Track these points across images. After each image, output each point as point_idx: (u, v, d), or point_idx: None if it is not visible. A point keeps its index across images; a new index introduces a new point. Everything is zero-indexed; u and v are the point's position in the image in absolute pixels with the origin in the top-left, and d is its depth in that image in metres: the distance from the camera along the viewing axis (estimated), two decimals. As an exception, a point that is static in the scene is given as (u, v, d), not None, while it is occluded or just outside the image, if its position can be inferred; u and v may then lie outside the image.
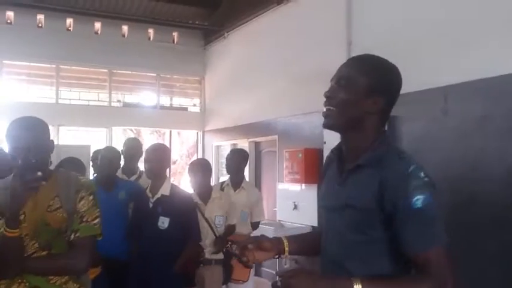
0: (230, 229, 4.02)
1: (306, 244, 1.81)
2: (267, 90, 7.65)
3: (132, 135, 13.85)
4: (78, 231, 2.03)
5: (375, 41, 5.28)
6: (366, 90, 1.49)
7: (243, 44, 8.79)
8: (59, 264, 2.02)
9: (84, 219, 2.05)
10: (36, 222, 1.99)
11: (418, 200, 1.36)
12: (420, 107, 4.72)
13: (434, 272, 1.35)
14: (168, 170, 3.62)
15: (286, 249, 1.70)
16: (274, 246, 1.69)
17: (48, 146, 2.09)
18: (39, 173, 1.82)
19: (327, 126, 1.57)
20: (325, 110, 1.56)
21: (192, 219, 3.56)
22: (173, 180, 12.19)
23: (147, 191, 3.52)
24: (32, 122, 2.07)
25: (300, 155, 6.13)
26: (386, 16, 5.28)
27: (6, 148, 2.14)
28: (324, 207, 1.67)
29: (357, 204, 1.46)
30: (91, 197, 2.10)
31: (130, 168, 4.24)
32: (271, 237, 1.74)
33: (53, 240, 2.03)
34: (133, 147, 4.26)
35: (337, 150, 1.63)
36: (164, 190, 3.46)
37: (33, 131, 2.02)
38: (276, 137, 7.33)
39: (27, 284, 1.98)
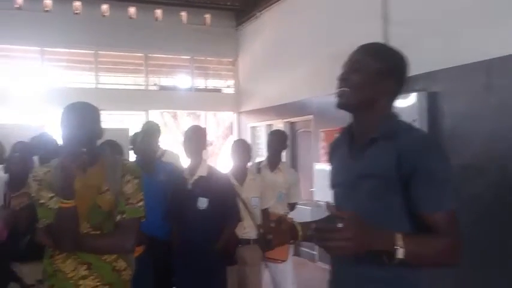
0: (264, 215, 4.06)
1: None
2: (301, 70, 7.60)
3: (170, 118, 14.06)
4: (124, 213, 2.13)
5: (412, 15, 5.16)
6: (377, 73, 1.59)
7: (275, 23, 8.73)
8: (107, 242, 2.13)
9: (130, 202, 2.14)
10: (88, 204, 2.10)
11: (436, 163, 1.46)
12: (462, 83, 4.60)
13: (450, 231, 1.43)
14: (204, 151, 3.66)
15: (300, 233, 1.74)
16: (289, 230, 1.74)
17: (96, 132, 2.18)
18: (84, 149, 1.96)
19: (340, 105, 1.65)
20: (338, 90, 1.64)
21: (231, 199, 3.61)
22: (210, 161, 12.35)
23: (186, 172, 3.58)
24: (82, 109, 2.15)
25: (336, 135, 6.10)
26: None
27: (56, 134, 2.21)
28: (337, 185, 1.74)
29: (375, 173, 1.53)
30: (136, 181, 2.18)
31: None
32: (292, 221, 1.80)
33: (103, 222, 2.14)
34: (150, 127, 4.30)
35: (347, 131, 1.72)
36: (202, 171, 3.52)
37: (82, 118, 2.10)
38: (311, 116, 7.30)
39: (79, 260, 2.10)
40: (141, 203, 2.18)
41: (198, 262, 3.40)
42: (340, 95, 1.64)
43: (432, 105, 4.84)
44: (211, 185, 3.46)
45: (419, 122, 4.73)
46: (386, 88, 1.61)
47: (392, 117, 1.63)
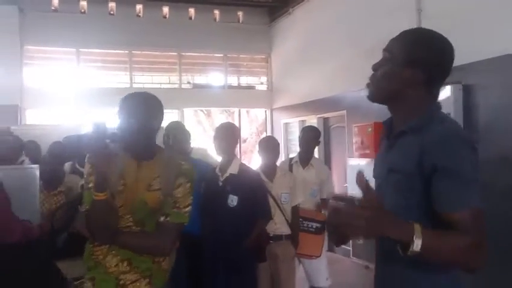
0: (295, 211, 4.04)
1: None
2: (334, 65, 7.52)
3: (203, 116, 14.18)
4: (169, 215, 2.09)
5: (446, 7, 5.03)
6: (404, 62, 1.51)
7: (308, 19, 8.66)
8: (145, 243, 2.11)
9: (177, 205, 2.10)
10: (134, 198, 2.08)
11: (459, 160, 1.38)
12: (497, 75, 4.47)
13: (471, 230, 1.33)
14: (236, 148, 3.66)
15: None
16: None
17: (152, 124, 2.11)
18: (109, 143, 1.95)
19: (369, 98, 1.61)
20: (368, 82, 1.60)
21: (261, 197, 3.60)
22: (244, 158, 12.41)
23: (217, 170, 3.60)
24: (138, 99, 2.10)
25: (370, 130, 6.01)
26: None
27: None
28: (375, 177, 1.69)
29: (399, 169, 1.49)
30: (188, 185, 2.12)
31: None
32: None
33: (147, 219, 2.11)
34: (180, 127, 4.32)
35: (387, 122, 1.66)
36: (233, 169, 3.52)
37: (136, 108, 2.06)
38: (344, 112, 7.22)
39: (119, 256, 2.10)
40: (187, 209, 2.12)
41: (228, 259, 3.41)
42: (368, 86, 1.60)
43: (467, 98, 4.71)
44: (241, 182, 3.46)
45: (453, 115, 4.62)
46: (414, 79, 1.50)
47: (424, 109, 1.51)
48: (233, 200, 3.43)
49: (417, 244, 1.26)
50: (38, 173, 3.04)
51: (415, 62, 1.50)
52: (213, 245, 3.48)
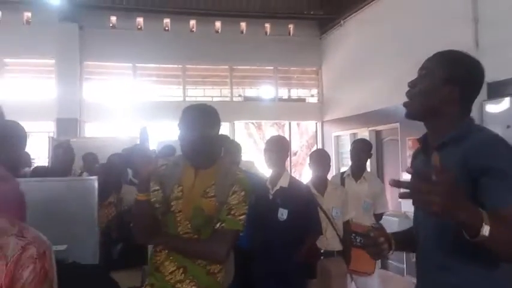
0: (346, 227, 3.96)
1: (409, 241, 1.81)
2: (386, 77, 7.39)
3: (254, 128, 14.26)
4: (224, 222, 2.14)
5: (504, 17, 4.85)
6: (442, 80, 1.59)
7: (360, 31, 8.58)
8: (200, 248, 2.16)
9: (232, 213, 2.14)
10: (191, 204, 2.16)
11: (505, 161, 1.41)
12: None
13: None
14: (286, 162, 3.64)
15: (393, 243, 1.75)
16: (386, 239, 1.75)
17: (211, 135, 2.18)
18: (152, 154, 2.06)
19: (407, 116, 1.69)
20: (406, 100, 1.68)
21: (311, 211, 3.55)
22: (294, 171, 12.35)
23: (267, 182, 3.59)
24: (198, 111, 2.19)
25: (418, 148, 5.84)
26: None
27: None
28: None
29: None
30: (243, 193, 2.17)
31: None
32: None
33: (204, 226, 2.17)
34: (225, 140, 4.35)
35: (423, 138, 1.72)
36: (283, 182, 3.50)
37: (196, 120, 2.15)
38: (397, 124, 7.06)
39: (176, 263, 2.16)
40: (242, 217, 2.16)
41: (278, 273, 3.38)
42: (405, 105, 1.68)
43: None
44: (292, 196, 3.43)
45: (514, 127, 4.43)
46: (451, 96, 1.59)
47: (464, 123, 1.59)
48: (283, 214, 3.40)
49: (486, 229, 1.26)
50: (96, 184, 3.14)
51: (453, 80, 1.59)
52: (263, 259, 3.47)
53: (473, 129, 1.57)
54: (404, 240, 1.81)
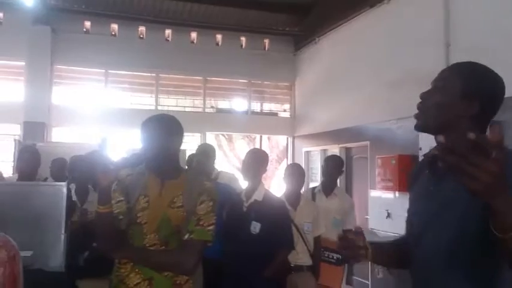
0: (317, 242, 3.99)
1: (388, 255, 1.77)
2: (358, 95, 7.52)
3: (224, 140, 14.24)
4: (193, 233, 2.11)
5: (475, 42, 5.01)
6: (460, 94, 1.49)
7: (334, 49, 8.72)
8: (167, 259, 2.13)
9: (201, 223, 2.12)
10: (158, 215, 2.13)
11: None
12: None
13: None
14: (263, 175, 3.64)
15: (370, 251, 1.62)
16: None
17: (173, 145, 2.18)
18: (111, 167, 2.02)
19: (418, 128, 1.57)
20: (417, 112, 1.57)
21: (284, 226, 3.54)
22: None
23: (242, 195, 3.58)
24: (160, 122, 2.17)
25: (394, 162, 5.96)
26: (487, 15, 4.98)
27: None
28: (416, 213, 1.62)
29: (458, 198, 1.40)
30: (211, 203, 2.16)
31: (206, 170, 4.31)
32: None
33: (170, 237, 2.14)
34: (206, 149, 4.34)
35: (429, 156, 1.60)
36: (257, 195, 3.49)
37: (158, 130, 2.13)
38: (367, 143, 7.17)
39: (142, 275, 2.12)
40: (211, 227, 2.14)
41: (247, 286, 3.36)
42: (418, 116, 1.57)
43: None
44: (265, 210, 3.42)
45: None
46: (469, 111, 1.48)
47: None
48: (256, 227, 3.38)
49: None
50: (65, 190, 3.07)
51: (472, 95, 1.48)
52: (233, 271, 3.44)
53: None
54: (382, 253, 1.72)
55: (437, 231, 1.48)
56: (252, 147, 9.76)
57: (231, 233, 3.46)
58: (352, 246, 1.60)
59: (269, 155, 12.63)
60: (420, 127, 1.57)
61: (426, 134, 1.59)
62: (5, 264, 0.95)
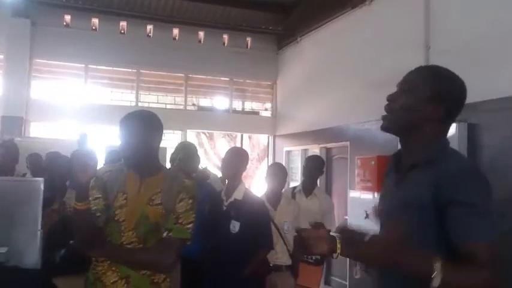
0: (297, 241, 4.00)
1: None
2: (339, 96, 7.57)
3: (205, 138, 14.20)
4: (171, 231, 2.10)
5: (454, 45, 5.08)
6: (427, 97, 1.53)
7: (316, 49, 8.76)
8: (145, 258, 2.11)
9: (179, 221, 2.11)
10: (136, 212, 2.11)
11: (474, 193, 1.39)
12: (501, 115, 4.48)
13: (489, 264, 1.32)
14: (242, 174, 3.63)
15: (338, 246, 1.52)
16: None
17: (153, 142, 2.15)
18: (92, 161, 1.97)
19: (384, 128, 1.62)
20: (384, 113, 1.61)
21: (263, 226, 3.55)
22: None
23: (222, 193, 3.57)
24: (138, 119, 2.14)
25: (373, 163, 6.00)
26: (466, 19, 5.05)
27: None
28: (383, 212, 1.68)
29: (414, 203, 1.47)
30: (190, 201, 2.15)
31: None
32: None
33: (149, 234, 2.12)
34: (189, 147, 4.31)
35: (395, 155, 1.67)
36: (237, 194, 3.49)
37: (136, 127, 2.10)
38: (347, 143, 7.22)
39: (119, 273, 2.10)
40: (190, 225, 2.13)
41: (225, 285, 3.35)
42: (385, 117, 1.62)
43: (472, 137, 4.72)
44: (245, 209, 3.42)
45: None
46: (435, 114, 1.53)
47: (438, 144, 1.54)
48: (235, 226, 3.38)
49: (437, 281, 1.27)
50: (42, 186, 3.02)
51: (438, 98, 1.53)
52: (212, 270, 3.44)
53: (448, 152, 1.52)
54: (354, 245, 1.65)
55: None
56: (232, 146, 9.76)
57: (210, 231, 3.46)
58: (306, 242, 1.48)
59: (250, 154, 12.65)
60: (386, 128, 1.62)
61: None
62: None
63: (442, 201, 1.40)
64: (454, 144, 4.55)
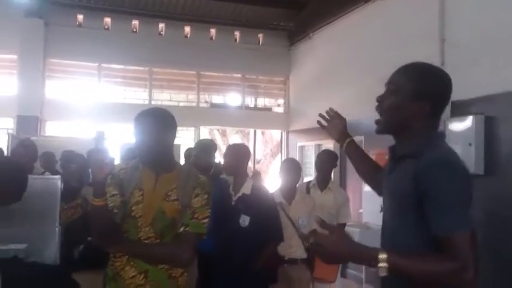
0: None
1: (363, 159, 2.14)
2: (352, 90, 7.53)
3: (218, 135, 14.24)
4: (188, 226, 2.12)
5: (470, 37, 5.02)
6: (412, 95, 1.59)
7: (328, 44, 8.72)
8: (164, 252, 2.14)
9: (195, 216, 2.13)
10: (153, 208, 2.13)
11: (445, 183, 1.45)
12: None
13: (457, 254, 1.40)
14: (247, 169, 3.63)
15: (347, 141, 2.15)
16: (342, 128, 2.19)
17: (168, 139, 2.17)
18: (109, 159, 2.00)
19: (378, 132, 1.71)
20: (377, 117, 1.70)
21: (273, 218, 3.55)
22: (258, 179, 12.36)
23: (230, 189, 3.58)
24: (153, 116, 2.15)
25: (387, 157, 5.96)
26: (482, 11, 4.98)
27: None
28: (383, 200, 1.80)
29: (398, 191, 1.59)
30: (205, 196, 2.17)
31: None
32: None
33: (166, 230, 2.14)
34: (205, 144, 4.31)
35: (391, 147, 1.74)
36: (245, 189, 3.51)
37: (151, 125, 2.11)
38: (361, 137, 7.18)
39: (137, 268, 2.12)
40: (206, 220, 2.15)
41: (238, 279, 3.37)
42: (376, 122, 1.70)
43: (489, 130, 4.67)
44: (254, 202, 3.44)
45: (475, 146, 4.59)
46: (420, 110, 1.59)
47: (426, 137, 1.60)
48: (245, 220, 3.40)
49: (383, 270, 1.41)
50: (59, 183, 3.05)
51: (423, 95, 1.59)
52: (223, 264, 3.45)
53: (430, 145, 1.57)
54: (357, 149, 2.15)
55: (386, 218, 1.71)
56: (243, 142, 9.77)
57: (220, 227, 3.48)
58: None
59: (263, 149, 12.55)
60: (380, 131, 1.70)
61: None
62: None
63: (419, 193, 1.49)
64: (471, 137, 4.57)
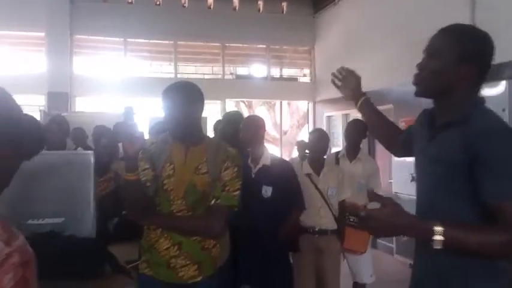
0: (342, 206, 3.99)
1: (379, 118, 2.12)
2: (380, 57, 7.38)
3: (244, 107, 14.22)
4: (219, 198, 2.15)
5: (501, 0, 4.83)
6: (455, 58, 1.52)
7: (354, 10, 8.52)
8: (195, 224, 2.18)
9: (226, 189, 2.15)
10: (185, 181, 2.16)
11: (501, 150, 1.40)
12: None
13: (508, 226, 1.35)
14: (263, 140, 3.63)
15: (361, 99, 2.13)
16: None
17: (196, 113, 2.19)
18: (139, 133, 2.03)
19: (417, 94, 1.64)
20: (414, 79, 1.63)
21: (294, 187, 3.57)
22: (284, 151, 12.36)
23: (249, 161, 3.58)
24: (181, 89, 2.16)
25: (418, 121, 5.86)
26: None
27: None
28: (416, 167, 1.74)
29: (443, 158, 1.51)
30: (235, 169, 2.18)
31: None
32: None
33: (197, 203, 2.17)
34: (233, 116, 4.29)
35: (429, 113, 1.69)
36: (265, 160, 3.51)
37: (180, 98, 2.12)
38: (391, 106, 7.07)
39: (171, 240, 2.17)
40: (236, 192, 2.18)
41: (262, 249, 3.41)
42: (416, 83, 1.62)
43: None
44: (274, 173, 3.45)
45: (508, 111, 4.47)
46: (467, 74, 1.52)
47: (471, 102, 1.54)
48: (267, 191, 3.42)
49: (438, 243, 1.37)
50: (92, 159, 3.11)
51: (468, 57, 1.51)
52: (247, 236, 3.48)
53: (480, 111, 1.51)
54: (370, 106, 2.12)
55: (426, 188, 1.64)
56: (272, 114, 9.73)
57: (242, 199, 3.49)
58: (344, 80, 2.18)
59: (289, 120, 12.55)
60: (420, 93, 1.63)
61: None
62: (16, 269, 0.97)
63: (470, 158, 1.43)
64: (504, 102, 4.44)
